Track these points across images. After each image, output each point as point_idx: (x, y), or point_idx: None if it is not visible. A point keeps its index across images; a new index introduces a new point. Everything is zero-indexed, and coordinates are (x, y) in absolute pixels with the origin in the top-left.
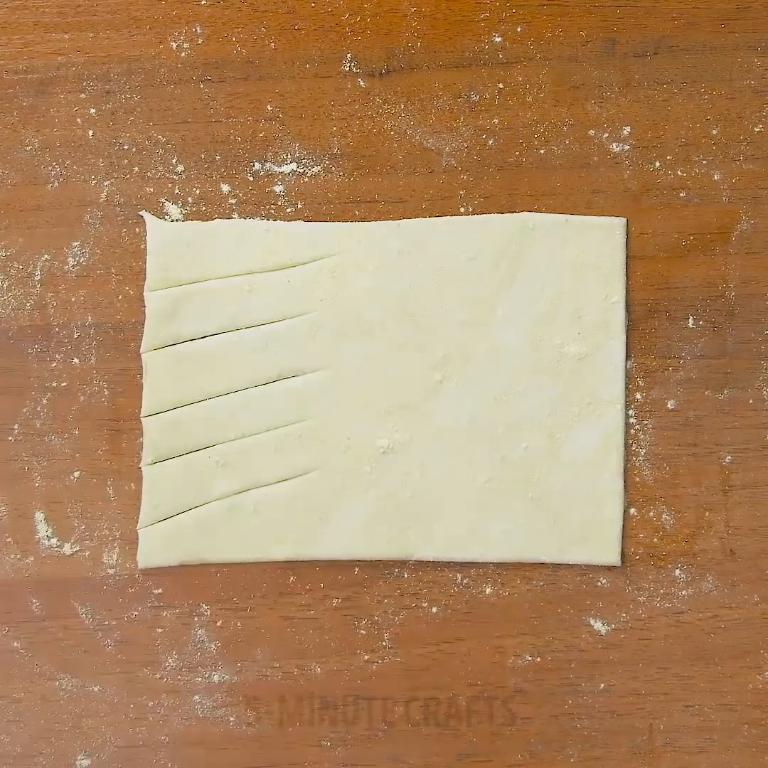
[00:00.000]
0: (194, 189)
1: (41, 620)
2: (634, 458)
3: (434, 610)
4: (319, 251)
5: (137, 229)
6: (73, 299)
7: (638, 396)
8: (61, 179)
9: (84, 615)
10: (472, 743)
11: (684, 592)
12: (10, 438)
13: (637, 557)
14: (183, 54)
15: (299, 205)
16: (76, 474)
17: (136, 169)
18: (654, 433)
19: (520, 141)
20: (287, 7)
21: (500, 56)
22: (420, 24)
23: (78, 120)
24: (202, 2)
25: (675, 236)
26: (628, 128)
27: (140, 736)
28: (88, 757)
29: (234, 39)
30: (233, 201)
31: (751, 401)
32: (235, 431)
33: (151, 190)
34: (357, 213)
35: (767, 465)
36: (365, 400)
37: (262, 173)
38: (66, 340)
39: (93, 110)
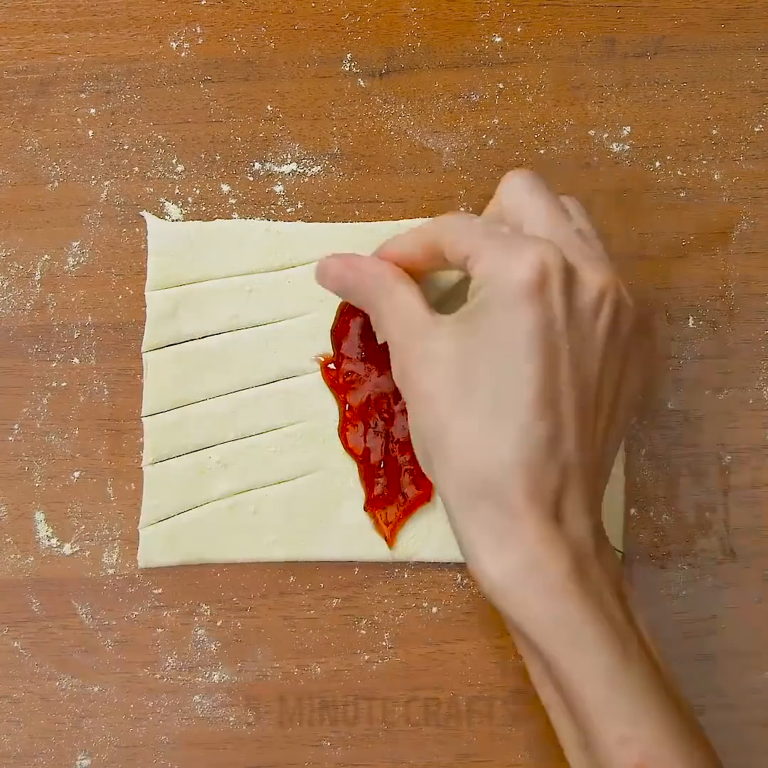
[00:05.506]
0: (194, 189)
1: (41, 620)
2: (634, 458)
3: (434, 610)
4: (320, 251)
5: (137, 229)
6: (73, 299)
7: (638, 396)
8: (61, 179)
9: (84, 615)
10: (472, 743)
11: (684, 592)
12: (10, 438)
13: (637, 557)
14: (183, 54)
15: (299, 205)
16: (76, 474)
17: (136, 169)
18: (654, 433)
19: (520, 141)
20: (287, 7)
21: (500, 56)
22: (420, 24)
23: (78, 120)
24: (202, 2)
25: (675, 236)
26: (628, 128)
27: (140, 736)
28: (88, 757)
29: (234, 39)
30: (233, 201)
31: (751, 401)
32: (236, 431)
33: (151, 190)
34: (357, 213)
35: (767, 465)
36: None
37: (262, 173)
38: (66, 340)
39: (93, 110)
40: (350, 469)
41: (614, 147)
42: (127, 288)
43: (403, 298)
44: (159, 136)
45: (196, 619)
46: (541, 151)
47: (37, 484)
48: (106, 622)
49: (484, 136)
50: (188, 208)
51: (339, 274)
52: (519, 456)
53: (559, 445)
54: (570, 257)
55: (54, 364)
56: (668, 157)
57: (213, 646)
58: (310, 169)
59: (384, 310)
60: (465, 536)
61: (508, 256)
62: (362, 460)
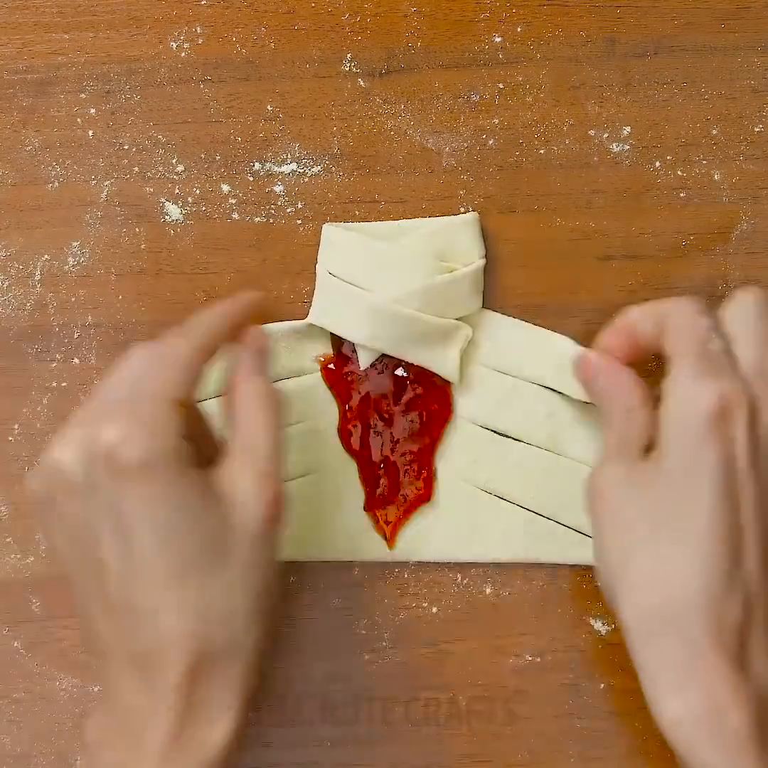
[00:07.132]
0: (194, 189)
1: (41, 620)
2: None
3: (434, 610)
4: None
5: (137, 229)
6: (73, 299)
7: None
8: (61, 179)
9: None
10: (472, 743)
11: None
12: (10, 438)
13: None
14: (183, 54)
15: (299, 205)
16: None
17: (136, 169)
18: None
19: (520, 141)
20: (287, 7)
21: (500, 56)
22: (420, 24)
23: (78, 120)
24: (202, 2)
25: (675, 236)
26: (628, 128)
27: None
28: None
29: (234, 39)
30: (233, 201)
31: None
32: None
33: (151, 190)
34: (357, 213)
35: None
36: None
37: (262, 173)
38: (66, 340)
39: (93, 110)
40: (350, 469)
41: (614, 147)
42: (127, 288)
43: (634, 419)
44: (159, 136)
45: None
46: (541, 151)
47: None
48: None
49: (484, 136)
50: (188, 208)
51: (595, 376)
52: (698, 586)
53: (740, 577)
54: (763, 392)
55: (54, 364)
56: (668, 157)
57: None
58: (310, 169)
59: (614, 419)
60: (646, 670)
61: (695, 384)
62: (362, 460)
